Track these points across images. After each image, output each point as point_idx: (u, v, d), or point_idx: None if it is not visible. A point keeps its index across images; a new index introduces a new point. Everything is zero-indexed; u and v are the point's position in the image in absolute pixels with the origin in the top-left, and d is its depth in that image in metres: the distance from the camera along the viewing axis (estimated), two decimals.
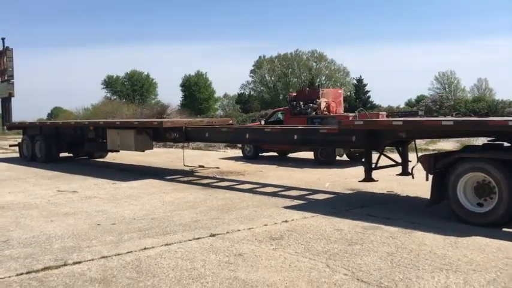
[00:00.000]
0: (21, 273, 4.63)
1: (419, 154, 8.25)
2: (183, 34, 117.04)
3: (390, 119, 11.51)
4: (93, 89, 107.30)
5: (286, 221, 6.69)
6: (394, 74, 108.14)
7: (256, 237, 5.87)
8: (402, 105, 57.15)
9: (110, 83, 79.75)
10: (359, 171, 12.30)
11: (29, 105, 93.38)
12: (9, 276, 4.55)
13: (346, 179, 10.85)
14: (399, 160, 8.97)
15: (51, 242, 5.78)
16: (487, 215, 6.11)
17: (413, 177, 8.20)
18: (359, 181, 8.69)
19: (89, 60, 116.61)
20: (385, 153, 8.79)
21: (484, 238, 5.54)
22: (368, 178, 8.42)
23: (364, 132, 8.14)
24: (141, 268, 4.76)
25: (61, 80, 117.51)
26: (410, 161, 8.62)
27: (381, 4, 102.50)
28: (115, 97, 71.77)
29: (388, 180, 10.13)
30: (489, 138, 7.09)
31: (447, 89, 72.13)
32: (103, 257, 5.13)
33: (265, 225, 6.49)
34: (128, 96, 72.42)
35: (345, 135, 8.53)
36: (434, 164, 6.66)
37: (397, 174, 8.93)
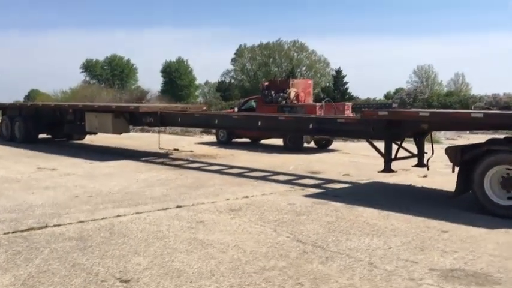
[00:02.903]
0: (8, 233, 5.33)
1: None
2: (165, 20, 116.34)
3: (417, 109, 10.89)
4: (72, 73, 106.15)
5: (246, 197, 7.48)
6: (375, 67, 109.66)
7: (218, 208, 6.66)
8: (381, 98, 58.66)
9: (89, 67, 79.21)
10: (323, 156, 13.25)
11: (5, 88, 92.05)
12: None
13: (310, 163, 11.69)
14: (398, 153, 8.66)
15: (33, 209, 6.47)
16: None
17: (428, 169, 8.50)
18: (378, 171, 8.47)
19: (67, 43, 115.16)
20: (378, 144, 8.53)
21: (414, 213, 6.41)
22: (388, 169, 8.23)
23: (384, 123, 8.00)
24: (114, 230, 5.50)
25: (38, 63, 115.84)
26: (426, 153, 8.72)
27: None
28: (94, 81, 71.45)
29: (345, 165, 11.08)
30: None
31: (425, 83, 73.83)
32: (80, 222, 5.85)
33: (227, 199, 7.28)
34: (107, 81, 72.14)
35: (364, 125, 8.43)
36: (461, 155, 6.66)
37: (412, 166, 8.91)
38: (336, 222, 5.94)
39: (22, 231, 5.40)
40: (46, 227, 5.59)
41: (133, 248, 4.84)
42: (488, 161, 6.37)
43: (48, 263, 4.38)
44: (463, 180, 6.62)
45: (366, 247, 4.94)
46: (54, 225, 5.65)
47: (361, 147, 15.43)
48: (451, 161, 6.83)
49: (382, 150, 8.35)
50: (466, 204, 6.78)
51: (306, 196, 7.57)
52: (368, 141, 8.75)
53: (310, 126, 9.48)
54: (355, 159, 12.49)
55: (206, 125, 12.89)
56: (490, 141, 6.62)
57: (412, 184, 8.75)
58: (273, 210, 6.59)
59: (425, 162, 8.62)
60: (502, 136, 7.15)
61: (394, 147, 8.41)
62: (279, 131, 12.35)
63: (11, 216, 6.03)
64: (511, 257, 4.67)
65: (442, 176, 9.06)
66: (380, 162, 10.22)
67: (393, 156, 8.37)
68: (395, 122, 7.94)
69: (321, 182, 9.05)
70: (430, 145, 8.75)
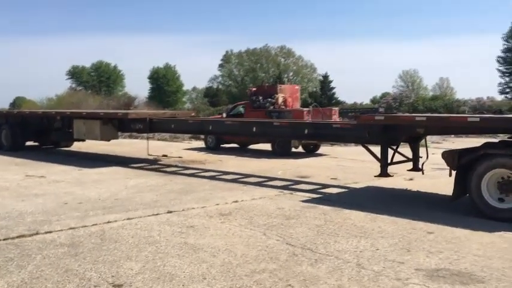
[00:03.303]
0: None
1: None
2: (152, 26, 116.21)
3: (413, 114, 10.56)
4: (58, 80, 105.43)
5: (236, 201, 7.56)
6: (362, 71, 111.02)
7: (208, 213, 6.73)
8: (368, 102, 59.30)
9: (75, 74, 78.78)
10: (311, 161, 13.39)
11: None
12: None
13: (298, 167, 11.80)
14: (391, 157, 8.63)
15: (24, 216, 6.48)
16: (511, 211, 6.22)
17: (423, 173, 8.58)
18: (374, 176, 8.59)
19: (53, 50, 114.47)
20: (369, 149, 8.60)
21: (400, 215, 6.54)
22: (384, 173, 8.32)
23: (380, 127, 8.05)
24: (105, 236, 5.54)
25: (23, 70, 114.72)
26: (421, 157, 8.76)
27: (351, 2, 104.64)
28: (80, 88, 70.98)
29: (333, 169, 11.23)
30: (508, 135, 7.22)
31: (410, 87, 74.77)
32: (71, 228, 5.88)
33: (217, 204, 7.35)
34: (94, 87, 71.75)
35: (360, 130, 8.47)
36: (458, 159, 6.68)
37: (408, 170, 8.90)
38: (325, 225, 6.05)
39: (13, 238, 5.42)
40: (37, 234, 5.61)
41: (125, 253, 4.89)
42: (485, 165, 6.41)
43: (40, 269, 4.41)
44: (461, 184, 6.65)
45: (354, 249, 5.05)
46: (45, 232, 5.68)
47: (348, 151, 15.63)
48: (448, 165, 6.87)
49: (377, 155, 8.37)
50: (451, 207, 6.94)
51: (295, 200, 7.67)
52: (364, 146, 8.76)
53: (306, 131, 9.53)
54: (342, 163, 12.64)
55: (200, 131, 12.79)
56: (487, 145, 6.65)
57: (408, 188, 8.86)
58: (262, 214, 6.68)
59: (420, 166, 8.64)
60: (489, 140, 7.23)
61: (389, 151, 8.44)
62: (274, 136, 12.31)
63: (1, 224, 6.04)
64: (494, 257, 4.81)
65: (428, 178, 9.26)
66: (367, 166, 10.43)
67: (389, 160, 8.37)
68: (392, 126, 7.98)
69: (309, 186, 9.16)
70: (425, 149, 8.75)
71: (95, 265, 4.53)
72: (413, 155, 8.74)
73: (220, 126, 11.63)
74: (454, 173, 6.83)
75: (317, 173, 10.75)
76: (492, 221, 6.18)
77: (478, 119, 6.93)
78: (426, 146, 8.86)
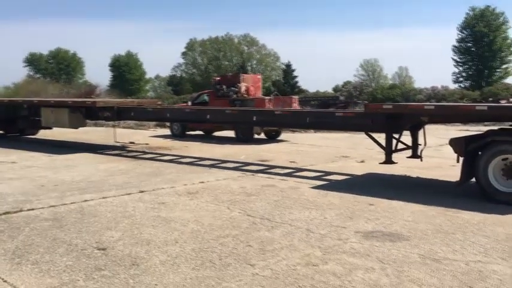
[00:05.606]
0: None
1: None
2: (113, 11, 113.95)
3: (421, 103, 10.63)
4: (14, 67, 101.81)
5: (202, 182, 8.28)
6: (325, 60, 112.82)
7: (177, 192, 7.42)
8: (330, 91, 60.70)
9: (32, 61, 76.66)
10: (273, 146, 14.21)
11: None
12: None
13: (260, 152, 12.60)
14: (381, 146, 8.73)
15: (5, 197, 6.98)
16: None
17: (421, 160, 8.72)
18: (379, 163, 8.74)
19: (7, 36, 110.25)
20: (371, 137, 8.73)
21: (347, 191, 7.43)
22: (389, 161, 8.47)
23: (384, 116, 8.21)
24: (84, 212, 6.16)
25: None
26: (420, 144, 8.92)
27: None
28: (39, 76, 69.26)
29: (292, 154, 12.08)
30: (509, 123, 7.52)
31: (371, 76, 76.92)
32: (51, 206, 6.45)
33: (185, 184, 8.05)
34: (53, 75, 70.13)
35: (363, 118, 8.62)
36: (465, 146, 6.94)
37: (407, 157, 9.04)
38: (282, 200, 6.86)
39: (0, 214, 5.96)
40: (21, 211, 6.17)
41: (105, 225, 5.54)
42: (493, 151, 6.71)
43: (31, 238, 5.02)
44: (467, 169, 6.91)
45: (306, 218, 5.88)
46: (28, 210, 6.23)
47: (307, 137, 16.55)
48: (455, 151, 7.13)
49: (381, 143, 8.63)
50: (388, 183, 7.89)
51: (256, 180, 8.46)
52: (367, 134, 8.83)
53: (307, 120, 9.73)
54: (301, 149, 13.51)
55: (199, 120, 12.58)
56: (493, 133, 6.90)
57: (358, 171, 9.81)
58: (226, 192, 7.43)
59: (418, 153, 8.82)
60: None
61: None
62: (274, 125, 12.62)
63: None
64: (421, 222, 5.74)
65: (377, 160, 10.20)
66: (323, 151, 11.31)
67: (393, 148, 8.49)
68: (397, 115, 8.16)
69: (269, 168, 9.96)
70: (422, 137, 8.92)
71: (79, 234, 5.17)
72: (412, 143, 8.90)
73: (219, 116, 11.56)
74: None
75: (277, 157, 11.57)
76: (423, 194, 7.16)
77: (485, 108, 7.31)
78: (424, 134, 8.92)
